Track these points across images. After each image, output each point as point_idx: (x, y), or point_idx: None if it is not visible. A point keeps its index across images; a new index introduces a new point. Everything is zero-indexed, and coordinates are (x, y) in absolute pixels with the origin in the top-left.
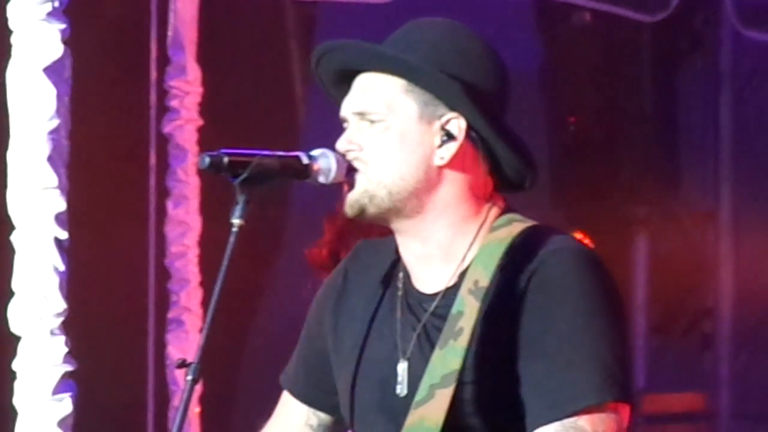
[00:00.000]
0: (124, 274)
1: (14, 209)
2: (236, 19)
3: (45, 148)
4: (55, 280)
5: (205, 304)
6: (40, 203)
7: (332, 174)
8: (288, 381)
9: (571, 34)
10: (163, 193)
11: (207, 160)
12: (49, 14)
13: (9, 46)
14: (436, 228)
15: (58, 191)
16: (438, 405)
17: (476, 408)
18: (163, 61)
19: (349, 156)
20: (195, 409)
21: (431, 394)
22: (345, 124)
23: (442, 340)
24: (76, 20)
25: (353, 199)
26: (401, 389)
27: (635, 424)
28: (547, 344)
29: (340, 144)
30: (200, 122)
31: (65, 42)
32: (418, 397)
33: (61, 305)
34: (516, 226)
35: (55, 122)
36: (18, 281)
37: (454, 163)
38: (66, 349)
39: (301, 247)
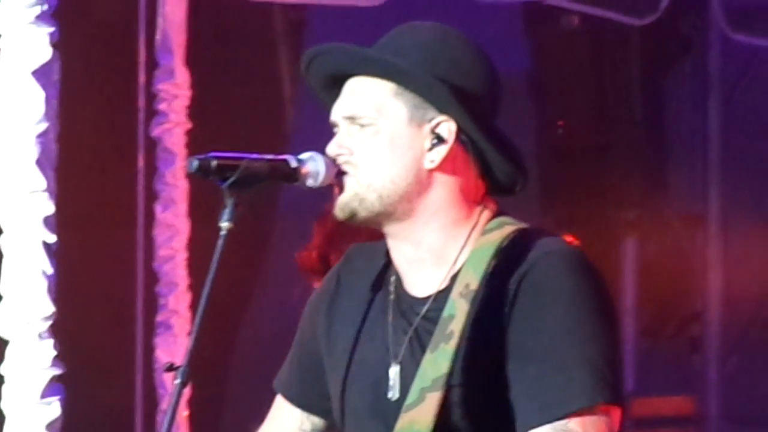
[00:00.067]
0: (113, 277)
1: (2, 212)
2: (225, 23)
3: (33, 151)
4: (44, 284)
5: (193, 307)
6: (28, 206)
7: (321, 177)
8: (281, 385)
9: (560, 37)
10: (152, 196)
11: (195, 163)
12: (38, 17)
13: None
14: (427, 231)
15: (46, 194)
16: (428, 408)
17: (467, 411)
18: (152, 64)
19: (340, 160)
20: (183, 413)
21: (422, 397)
22: (335, 129)
23: (433, 343)
24: (65, 23)
25: (343, 203)
26: (393, 393)
27: (624, 427)
28: (538, 346)
29: (331, 148)
30: (189, 125)
31: (54, 45)
32: (408, 400)
33: (50, 308)
34: (507, 229)
35: (44, 125)
36: (6, 285)
37: (444, 166)
38: (54, 353)
39: (290, 251)
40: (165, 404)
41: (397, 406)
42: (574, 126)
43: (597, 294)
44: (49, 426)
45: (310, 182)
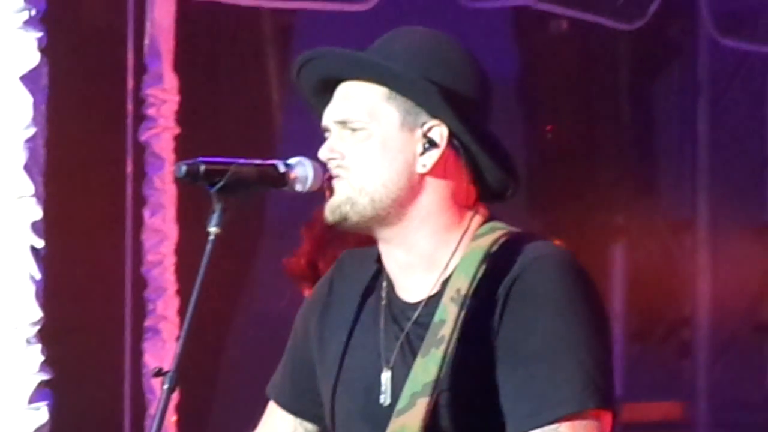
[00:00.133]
0: (101, 282)
1: None
2: (213, 28)
3: (21, 156)
4: (31, 289)
5: (181, 312)
6: (16, 212)
7: (309, 182)
8: (274, 391)
9: (549, 42)
10: (140, 201)
11: (183, 168)
12: (26, 23)
13: None
14: (418, 237)
15: (34, 199)
16: (418, 413)
17: (457, 415)
18: (140, 69)
19: (331, 164)
20: (171, 418)
21: (412, 402)
22: (326, 134)
23: (424, 348)
24: (53, 29)
25: (334, 206)
26: (385, 398)
27: None
28: (528, 351)
29: (322, 153)
30: (177, 130)
31: (42, 50)
32: (399, 405)
33: (37, 314)
34: (498, 233)
35: (32, 130)
36: None
37: (436, 171)
38: (42, 358)
39: (279, 256)
40: (153, 409)
41: (389, 411)
42: (562, 130)
43: (588, 298)
44: (38, 431)
45: (298, 187)
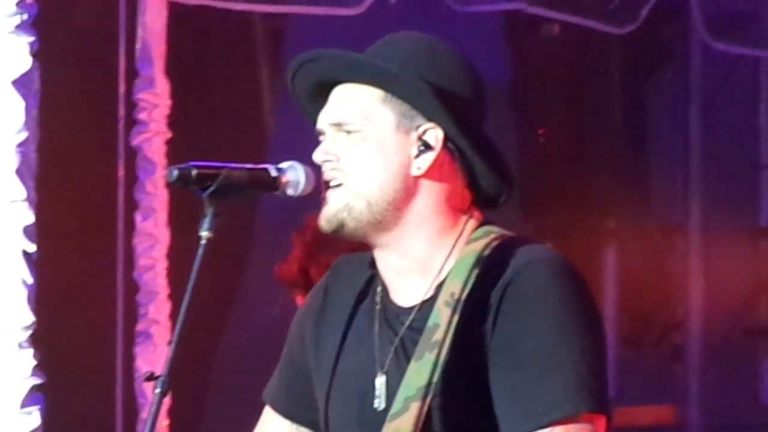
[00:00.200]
0: (93, 286)
1: None
2: (205, 32)
3: (13, 160)
4: (23, 293)
5: (173, 316)
6: (8, 216)
7: (301, 186)
8: (270, 396)
9: (541, 46)
10: (132, 205)
11: (175, 172)
12: (18, 27)
13: None
14: (413, 241)
15: (26, 204)
16: (412, 417)
17: (450, 419)
18: (132, 73)
19: (326, 167)
20: (163, 422)
21: (406, 406)
22: (321, 137)
23: (418, 352)
24: (45, 33)
25: (331, 214)
26: (379, 403)
27: None
28: (522, 354)
29: (317, 155)
30: (169, 135)
31: (34, 55)
32: (393, 409)
33: (29, 318)
34: (491, 237)
35: (24, 135)
36: None
37: (431, 174)
38: (34, 362)
39: (271, 261)
40: (145, 413)
41: (383, 415)
42: (554, 134)
43: (582, 302)
44: None
45: (290, 191)
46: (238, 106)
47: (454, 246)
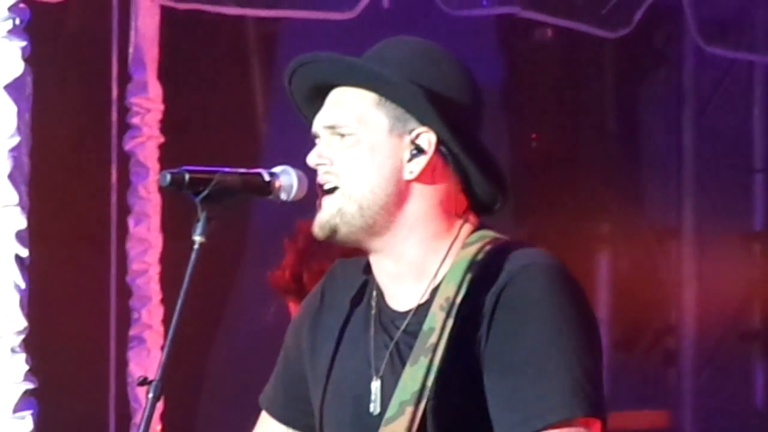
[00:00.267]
0: (86, 291)
1: None
2: (197, 36)
3: (6, 165)
4: (16, 298)
5: (166, 321)
6: (0, 221)
7: (294, 191)
8: (266, 401)
9: (533, 50)
10: (125, 210)
11: (168, 177)
12: (10, 32)
13: None
14: (407, 245)
15: (18, 209)
16: (406, 421)
17: (445, 423)
18: (125, 78)
19: (320, 170)
20: (156, 427)
21: (401, 411)
22: (316, 140)
23: (413, 357)
24: (37, 38)
25: (324, 220)
26: (374, 407)
27: None
28: (517, 359)
29: (311, 158)
30: (161, 139)
31: (26, 59)
32: (388, 414)
33: (22, 323)
34: (485, 242)
35: (16, 140)
36: None
37: (423, 178)
38: (27, 367)
39: (265, 265)
40: (138, 418)
41: (379, 420)
42: (547, 139)
43: (577, 306)
44: None
45: (283, 196)
46: (231, 111)
47: (449, 250)
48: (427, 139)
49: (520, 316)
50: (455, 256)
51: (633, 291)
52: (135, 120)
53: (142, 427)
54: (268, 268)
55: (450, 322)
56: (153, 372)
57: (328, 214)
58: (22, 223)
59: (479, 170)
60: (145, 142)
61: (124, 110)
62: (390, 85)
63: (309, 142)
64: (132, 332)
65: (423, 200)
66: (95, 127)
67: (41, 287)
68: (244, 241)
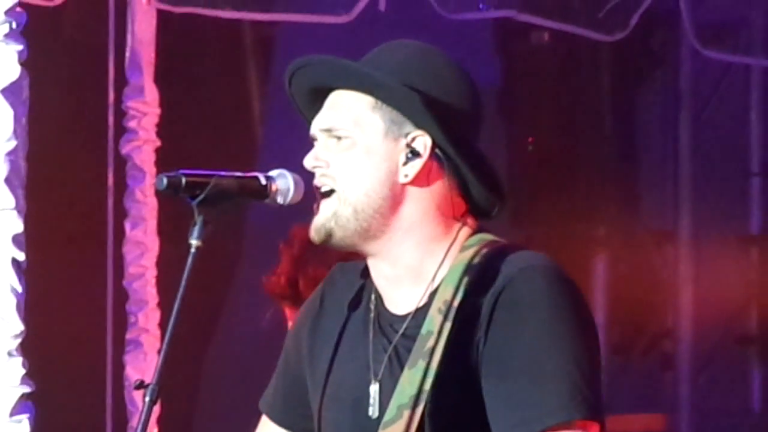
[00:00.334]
0: (82, 295)
1: None
2: (194, 40)
3: (2, 169)
4: (13, 302)
5: (163, 325)
6: None
7: (290, 194)
8: (266, 405)
9: (530, 53)
10: (121, 214)
11: (164, 181)
12: (7, 36)
13: None
14: (403, 249)
15: (15, 212)
16: (404, 425)
17: (444, 426)
18: (121, 82)
19: (317, 173)
20: (153, 431)
21: (399, 414)
22: (314, 143)
23: (411, 360)
24: (34, 41)
25: (319, 224)
26: (373, 411)
27: None
28: (515, 361)
29: (307, 161)
30: (158, 143)
31: (23, 63)
32: (386, 417)
33: (19, 327)
34: (482, 245)
35: (13, 143)
36: None
37: (418, 181)
38: (24, 371)
39: (262, 269)
40: (135, 422)
41: (377, 423)
42: (544, 142)
43: (575, 309)
44: None
45: (279, 199)
46: (227, 115)
47: (446, 253)
48: (423, 142)
49: (518, 319)
50: (453, 259)
51: (630, 294)
52: (132, 124)
53: (139, 430)
54: (264, 272)
55: (448, 326)
56: (150, 375)
57: (323, 218)
58: (19, 226)
59: (475, 174)
60: (142, 145)
61: (121, 114)
62: (385, 88)
63: (305, 145)
64: (129, 336)
65: (418, 204)
66: (92, 130)
67: (38, 291)
68: (241, 245)
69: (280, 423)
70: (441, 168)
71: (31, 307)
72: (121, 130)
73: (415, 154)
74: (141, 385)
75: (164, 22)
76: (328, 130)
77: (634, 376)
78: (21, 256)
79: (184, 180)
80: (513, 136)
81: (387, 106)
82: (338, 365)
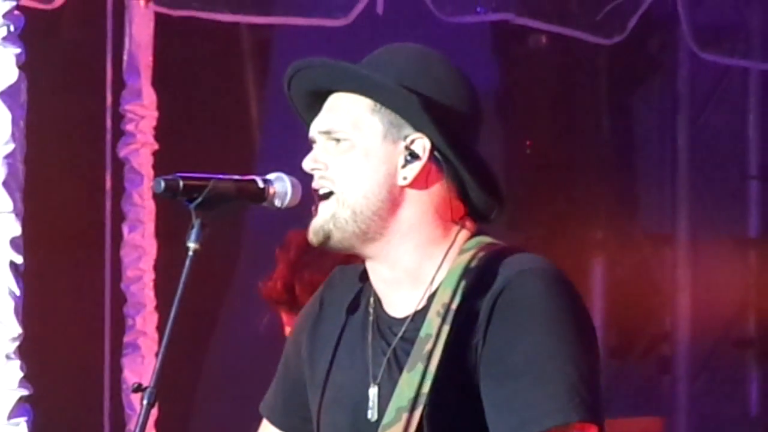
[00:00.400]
0: (80, 298)
1: None
2: (192, 43)
3: (0, 172)
4: (11, 305)
5: (160, 328)
6: None
7: (288, 198)
8: (267, 408)
9: (528, 57)
10: (119, 217)
11: (162, 184)
12: (5, 39)
13: None
14: (401, 252)
15: (13, 215)
16: (403, 428)
17: (442, 429)
18: (119, 85)
19: (316, 175)
20: None
21: (398, 417)
22: (313, 145)
23: (410, 363)
24: (32, 45)
25: (318, 226)
26: (372, 414)
27: None
28: (513, 364)
29: (306, 163)
30: (156, 146)
31: (20, 66)
32: (385, 420)
33: (17, 330)
34: (479, 248)
35: (11, 146)
36: None
37: (417, 184)
38: (21, 374)
39: (258, 273)
40: (132, 425)
41: (376, 426)
42: (541, 145)
43: (574, 311)
44: None
45: (277, 203)
46: (225, 118)
47: (445, 256)
48: (422, 145)
49: (517, 321)
50: (452, 262)
51: (627, 297)
52: (129, 127)
53: None
54: (262, 275)
55: (446, 328)
56: (147, 379)
57: (322, 220)
58: (16, 229)
59: (474, 177)
60: (140, 148)
61: (119, 117)
62: (384, 90)
63: (303, 148)
64: (126, 339)
65: (417, 206)
66: (90, 133)
67: (36, 294)
68: (239, 248)
69: (280, 426)
70: (440, 171)
71: (28, 310)
72: (118, 133)
73: (414, 156)
74: (139, 388)
75: (162, 25)
76: (327, 133)
77: (631, 379)
78: (19, 259)
79: (181, 183)
80: (511, 139)
81: (386, 108)
82: (337, 368)
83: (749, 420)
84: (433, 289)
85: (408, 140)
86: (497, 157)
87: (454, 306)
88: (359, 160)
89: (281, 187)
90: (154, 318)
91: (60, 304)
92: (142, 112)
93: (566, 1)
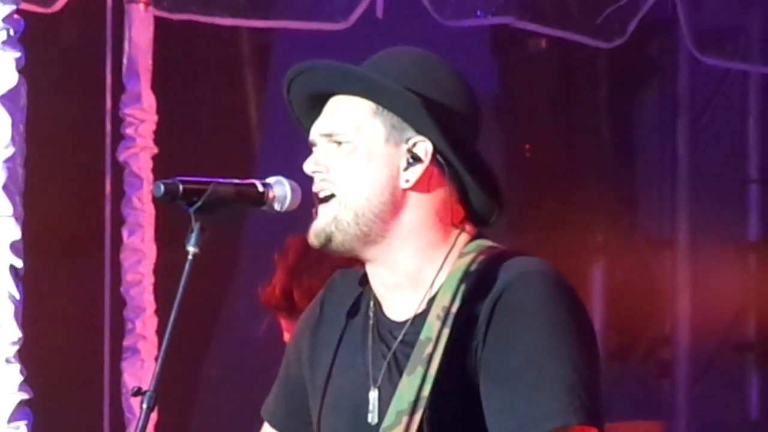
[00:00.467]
0: (80, 301)
1: None
2: (191, 47)
3: (0, 176)
4: (11, 309)
5: (160, 332)
6: None
7: (287, 201)
8: (268, 412)
9: (528, 60)
10: (119, 220)
11: (162, 187)
12: (4, 43)
13: None
14: (402, 255)
15: (13, 219)
16: (404, 431)
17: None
18: (118, 88)
19: (316, 178)
20: None
21: (398, 420)
22: (314, 148)
23: (410, 366)
24: (32, 48)
25: (319, 228)
26: (372, 417)
27: None
28: (513, 367)
29: (307, 166)
30: (155, 150)
31: (20, 70)
32: (385, 423)
33: (17, 333)
34: (479, 251)
35: (11, 150)
36: None
37: (419, 187)
38: (21, 378)
39: (257, 277)
40: (132, 429)
41: (376, 429)
42: (541, 149)
43: (573, 314)
44: None
45: (276, 206)
46: (224, 121)
47: (445, 259)
48: (424, 148)
49: (516, 324)
50: (452, 265)
51: (627, 301)
52: (129, 131)
53: None
54: (261, 280)
55: (446, 332)
56: (147, 382)
57: (323, 222)
58: (16, 233)
59: (475, 180)
60: (139, 152)
61: (118, 121)
62: (387, 93)
63: (303, 152)
64: (126, 343)
65: (418, 209)
66: (89, 137)
67: (36, 298)
68: (238, 252)
69: (281, 430)
70: (441, 174)
71: (28, 314)
72: (118, 137)
73: (416, 159)
74: (138, 392)
75: (161, 29)
76: (329, 135)
77: (631, 383)
78: (19, 263)
79: (181, 187)
80: (510, 142)
81: (388, 111)
82: (337, 372)
83: (749, 424)
84: (433, 292)
85: (410, 143)
86: (497, 160)
87: (454, 309)
88: (361, 162)
89: (281, 190)
90: (153, 322)
91: (60, 308)
92: (142, 115)
93: (566, 4)
